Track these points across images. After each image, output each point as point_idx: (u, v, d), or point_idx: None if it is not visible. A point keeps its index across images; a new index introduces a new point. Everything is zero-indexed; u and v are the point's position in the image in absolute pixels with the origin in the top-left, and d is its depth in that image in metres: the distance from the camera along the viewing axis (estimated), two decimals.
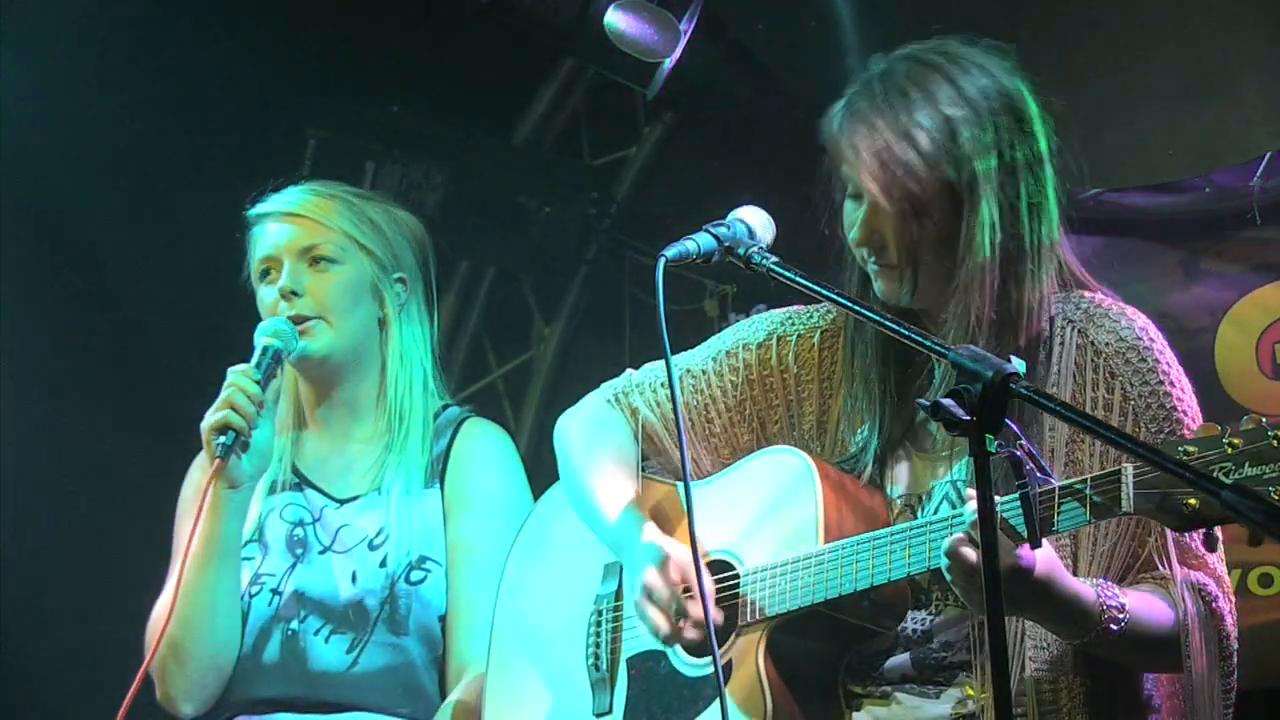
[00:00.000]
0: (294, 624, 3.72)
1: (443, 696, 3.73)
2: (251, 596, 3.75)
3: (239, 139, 5.59)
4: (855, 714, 3.09)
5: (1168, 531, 2.90)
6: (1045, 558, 2.75)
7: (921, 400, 2.58)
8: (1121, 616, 2.82)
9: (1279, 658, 5.54)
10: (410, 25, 6.14)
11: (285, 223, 3.86)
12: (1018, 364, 2.50)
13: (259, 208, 3.90)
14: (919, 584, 3.08)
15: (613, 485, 3.31)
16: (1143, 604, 2.88)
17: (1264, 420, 2.45)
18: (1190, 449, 2.51)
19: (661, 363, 3.40)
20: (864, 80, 3.10)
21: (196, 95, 5.79)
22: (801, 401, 3.26)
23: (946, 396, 2.49)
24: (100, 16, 5.60)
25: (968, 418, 2.45)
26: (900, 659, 3.09)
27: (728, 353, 3.34)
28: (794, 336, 3.30)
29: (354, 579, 3.74)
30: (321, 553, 3.77)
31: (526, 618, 3.49)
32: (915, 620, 3.09)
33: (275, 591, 3.75)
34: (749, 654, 3.08)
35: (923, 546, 2.90)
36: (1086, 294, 3.12)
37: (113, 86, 5.70)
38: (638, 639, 3.30)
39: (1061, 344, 3.04)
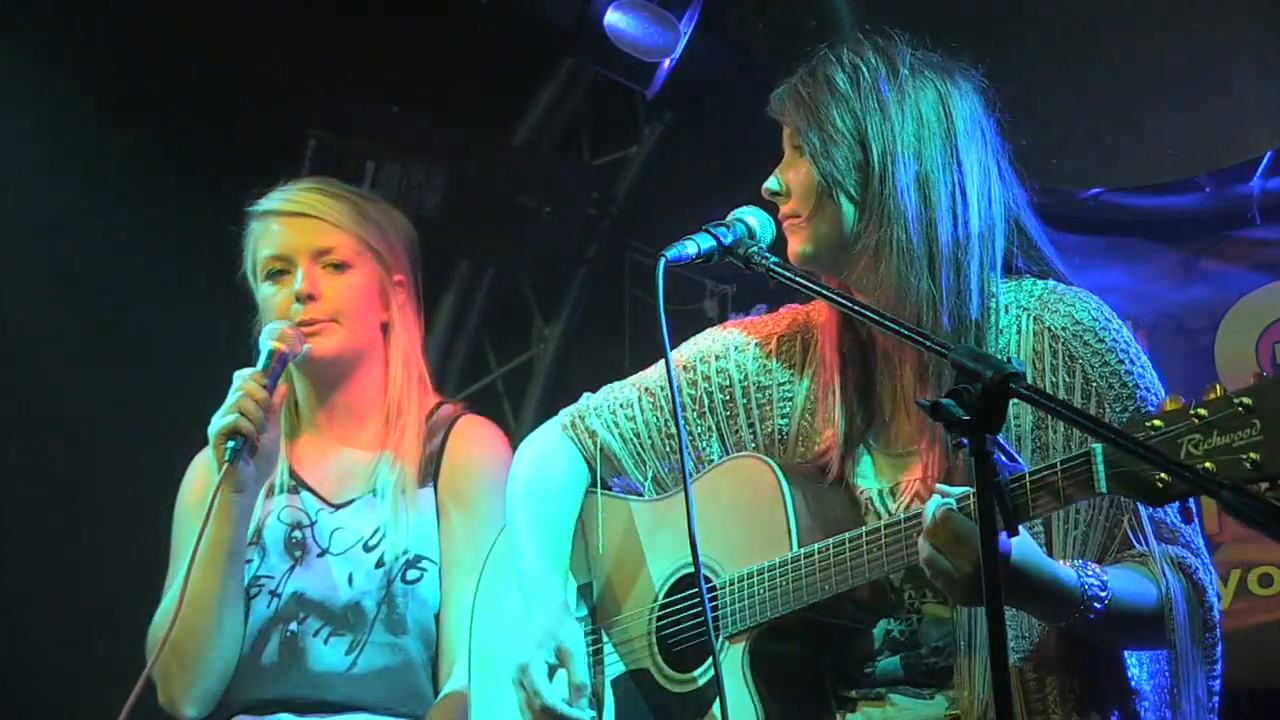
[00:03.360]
0: (293, 625, 3.72)
1: (435, 693, 3.74)
2: (250, 598, 3.75)
3: (239, 139, 5.59)
4: (850, 716, 3.09)
5: (1141, 508, 2.92)
6: (1022, 543, 2.76)
7: (921, 400, 2.59)
8: (1104, 595, 2.83)
9: (1279, 658, 5.55)
10: (410, 25, 6.14)
11: (296, 222, 3.84)
12: (1017, 363, 2.50)
13: (266, 203, 3.87)
14: (891, 585, 3.08)
15: (540, 543, 3.36)
16: (1125, 582, 2.88)
17: (1227, 389, 2.45)
18: (1157, 423, 2.51)
19: (618, 385, 3.43)
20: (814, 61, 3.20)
21: (197, 94, 5.79)
22: (760, 407, 3.26)
23: (947, 396, 2.49)
24: (99, 16, 5.60)
25: (967, 417, 2.46)
26: (891, 661, 3.09)
27: (684, 368, 3.34)
28: (751, 345, 3.31)
29: (350, 581, 3.74)
30: (320, 555, 3.77)
31: (503, 641, 3.47)
32: (898, 622, 3.09)
33: (274, 593, 3.75)
34: (734, 663, 3.08)
35: (898, 544, 2.90)
36: (1040, 281, 3.13)
37: (112, 85, 5.70)
38: (618, 661, 3.30)
39: (1019, 332, 3.06)
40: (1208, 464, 2.43)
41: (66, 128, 5.69)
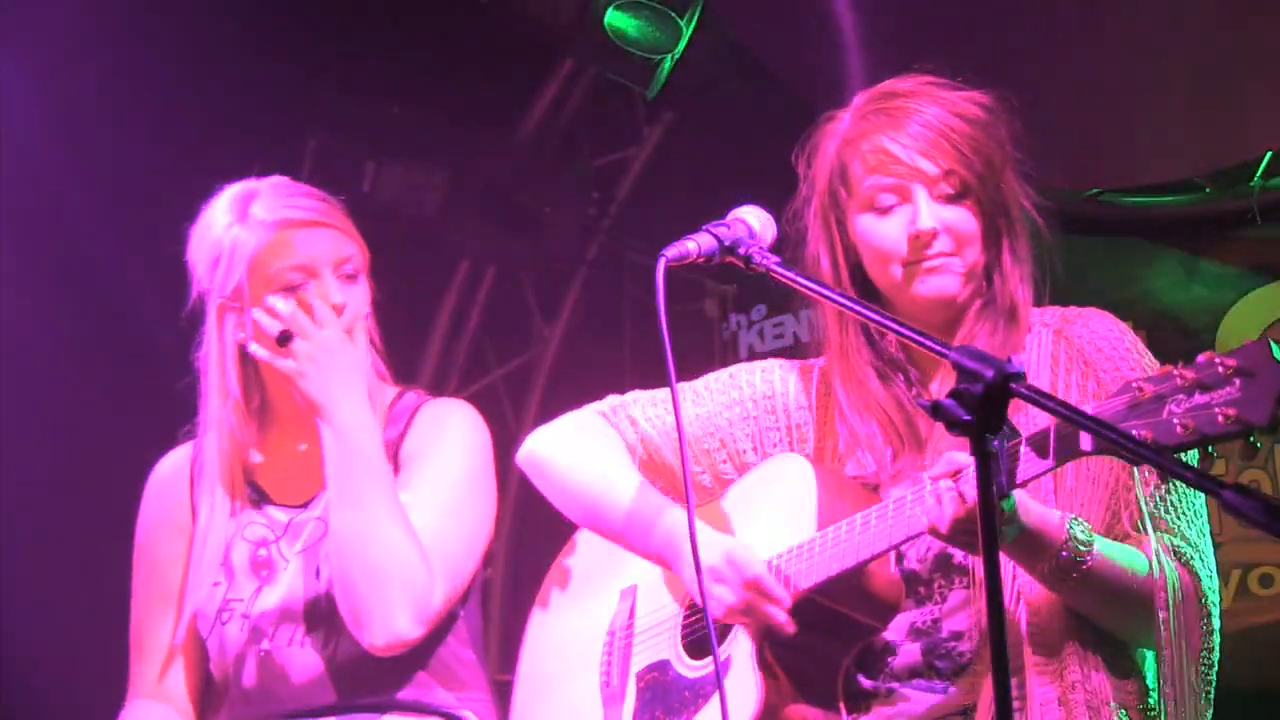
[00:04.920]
0: (264, 644, 3.66)
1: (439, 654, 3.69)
2: (223, 624, 3.69)
3: (238, 139, 5.59)
4: (864, 716, 3.09)
5: (1142, 502, 2.94)
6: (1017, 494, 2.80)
7: (922, 401, 2.59)
8: (1089, 541, 2.84)
9: (1279, 658, 5.56)
10: (410, 25, 6.15)
11: (316, 232, 3.76)
12: (1019, 364, 2.51)
13: (268, 213, 3.77)
14: (920, 577, 3.08)
15: (639, 483, 3.24)
16: (1114, 549, 2.90)
17: (1216, 358, 2.50)
18: (1144, 386, 2.56)
19: (653, 389, 3.41)
20: (878, 94, 3.15)
21: (196, 96, 5.79)
22: (800, 428, 3.27)
23: (948, 397, 2.49)
24: (99, 17, 5.61)
25: (968, 418, 2.46)
26: (911, 649, 3.09)
27: (730, 374, 3.36)
28: (795, 368, 3.33)
29: (318, 575, 3.69)
30: (286, 567, 3.72)
31: (547, 663, 3.50)
32: (923, 613, 3.09)
33: (245, 616, 3.69)
34: (746, 645, 3.09)
35: (901, 515, 2.91)
36: (1057, 307, 3.19)
37: (111, 86, 5.70)
38: (646, 654, 3.32)
39: (1039, 346, 3.11)
40: (1187, 422, 2.48)
41: (64, 125, 5.70)
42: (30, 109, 5.60)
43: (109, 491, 5.69)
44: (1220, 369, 2.47)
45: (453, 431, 3.68)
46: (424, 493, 3.56)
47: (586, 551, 3.51)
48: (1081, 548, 2.85)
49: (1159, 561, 2.91)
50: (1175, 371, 2.53)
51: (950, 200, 3.07)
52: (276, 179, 3.82)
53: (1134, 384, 2.57)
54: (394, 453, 3.66)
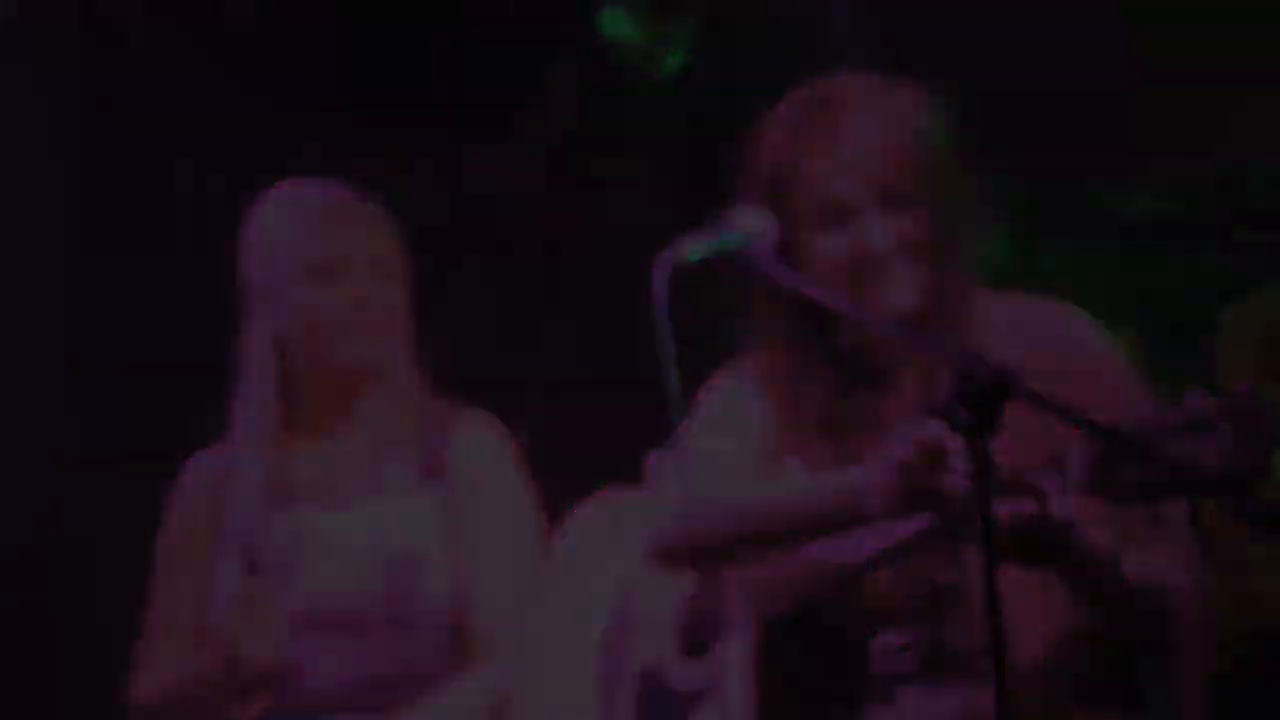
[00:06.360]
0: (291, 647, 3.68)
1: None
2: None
3: (237, 141, 5.60)
4: None
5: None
6: None
7: (920, 403, 2.59)
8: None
9: (1278, 658, 5.56)
10: (408, 27, 6.15)
11: (353, 225, 3.78)
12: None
13: (309, 199, 3.80)
14: (917, 597, 3.06)
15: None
16: (1140, 560, 2.86)
17: (1205, 396, 2.48)
18: (1130, 428, 2.54)
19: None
20: (808, 102, 3.10)
21: (193, 98, 5.79)
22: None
23: (946, 398, 2.49)
24: (95, 18, 5.61)
25: (966, 420, 2.46)
26: (906, 656, 3.08)
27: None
28: (748, 384, 3.28)
29: (354, 584, 3.71)
30: (315, 566, 3.73)
31: (541, 660, 3.51)
32: (920, 632, 3.07)
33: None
34: (738, 654, 3.07)
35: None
36: (1015, 300, 3.14)
37: (110, 85, 5.70)
38: (641, 654, 3.30)
39: (999, 352, 3.06)
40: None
41: (61, 125, 5.69)
42: (26, 108, 5.60)
43: (112, 492, 5.71)
44: (1208, 413, 2.45)
45: (503, 453, 3.84)
46: (506, 519, 3.75)
47: (579, 544, 3.50)
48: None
49: (1174, 568, 2.90)
50: (1163, 415, 2.51)
51: (898, 211, 3.03)
52: (329, 180, 3.91)
53: (1121, 425, 2.55)
54: (440, 461, 3.73)
